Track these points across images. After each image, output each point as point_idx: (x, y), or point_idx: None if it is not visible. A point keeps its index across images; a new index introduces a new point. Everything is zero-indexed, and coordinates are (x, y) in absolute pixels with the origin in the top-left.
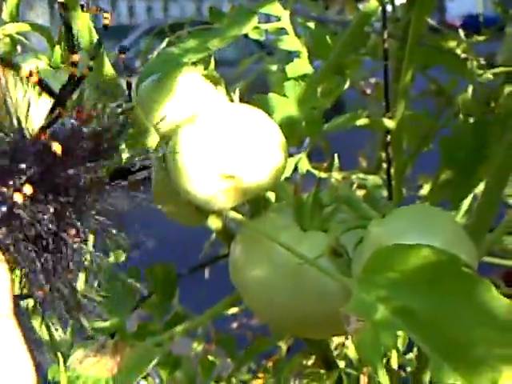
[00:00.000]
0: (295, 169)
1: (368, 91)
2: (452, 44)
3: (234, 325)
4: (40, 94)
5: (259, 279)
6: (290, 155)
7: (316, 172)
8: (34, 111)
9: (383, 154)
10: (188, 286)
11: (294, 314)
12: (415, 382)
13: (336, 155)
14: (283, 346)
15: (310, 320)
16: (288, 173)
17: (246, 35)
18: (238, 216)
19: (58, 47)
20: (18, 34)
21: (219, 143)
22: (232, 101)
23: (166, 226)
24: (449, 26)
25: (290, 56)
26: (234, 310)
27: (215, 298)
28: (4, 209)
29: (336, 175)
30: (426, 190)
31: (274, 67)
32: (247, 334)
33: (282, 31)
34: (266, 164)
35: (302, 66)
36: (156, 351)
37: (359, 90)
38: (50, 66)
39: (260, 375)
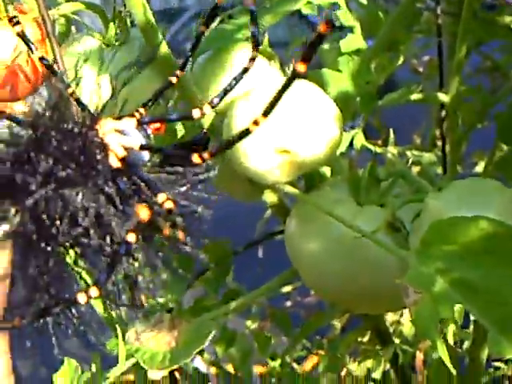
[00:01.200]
0: (350, 145)
1: (420, 69)
2: (507, 19)
3: (288, 303)
4: None
5: (315, 253)
6: (344, 131)
7: (371, 147)
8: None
9: (437, 132)
10: (243, 264)
11: (350, 288)
12: (471, 359)
13: (391, 130)
14: (337, 324)
15: (365, 294)
16: (343, 148)
17: (298, 12)
18: (294, 190)
19: (112, 25)
20: (72, 13)
21: (274, 117)
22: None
23: (221, 203)
24: (504, 2)
25: (341, 35)
26: (287, 289)
27: (270, 276)
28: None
29: (392, 150)
30: (480, 167)
31: (326, 46)
32: (301, 312)
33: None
34: (322, 138)
35: (355, 41)
36: (213, 325)
37: (412, 69)
38: (104, 44)
39: (315, 352)
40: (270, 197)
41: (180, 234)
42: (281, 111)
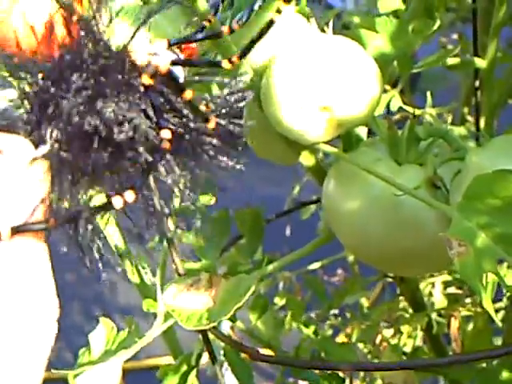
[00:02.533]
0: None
1: (449, 47)
2: None
3: None
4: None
5: (353, 213)
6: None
7: (409, 108)
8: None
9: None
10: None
11: (388, 248)
12: (508, 326)
13: (429, 92)
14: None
15: (404, 254)
16: (381, 109)
17: None
18: (333, 149)
19: None
20: None
21: (314, 75)
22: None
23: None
24: None
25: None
26: (316, 266)
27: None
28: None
29: (430, 111)
30: None
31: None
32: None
33: None
34: (361, 96)
35: (393, 1)
36: (252, 281)
37: (441, 46)
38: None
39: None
40: (307, 158)
41: (212, 124)
42: (320, 68)
